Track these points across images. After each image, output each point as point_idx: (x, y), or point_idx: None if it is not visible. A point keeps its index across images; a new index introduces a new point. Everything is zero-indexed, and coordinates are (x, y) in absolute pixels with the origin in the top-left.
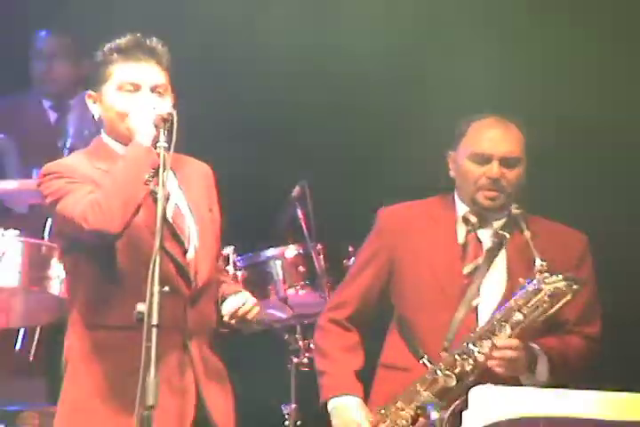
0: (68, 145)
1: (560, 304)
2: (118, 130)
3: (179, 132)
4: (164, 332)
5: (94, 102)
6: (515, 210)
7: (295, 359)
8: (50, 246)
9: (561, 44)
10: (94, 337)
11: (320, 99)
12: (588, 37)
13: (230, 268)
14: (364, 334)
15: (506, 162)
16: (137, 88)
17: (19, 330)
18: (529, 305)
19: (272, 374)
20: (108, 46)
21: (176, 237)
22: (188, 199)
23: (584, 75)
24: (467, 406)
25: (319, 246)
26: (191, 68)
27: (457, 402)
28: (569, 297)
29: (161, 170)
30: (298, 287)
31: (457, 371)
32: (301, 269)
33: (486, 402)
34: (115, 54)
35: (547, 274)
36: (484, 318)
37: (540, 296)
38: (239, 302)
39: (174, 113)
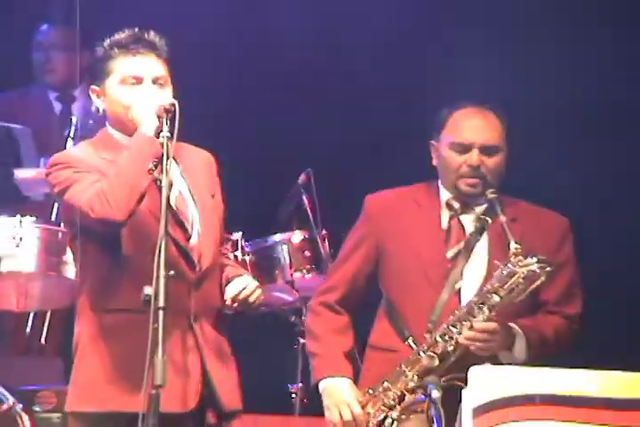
0: (72, 134)
1: (534, 286)
2: (123, 122)
3: (181, 121)
4: (169, 314)
5: (98, 97)
6: (490, 195)
7: (302, 340)
8: (65, 232)
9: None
10: (102, 320)
11: (325, 84)
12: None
13: (239, 253)
14: (355, 317)
15: (485, 150)
16: (139, 81)
17: (29, 314)
18: (504, 288)
19: (279, 354)
20: (108, 41)
21: (180, 223)
22: (190, 186)
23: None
24: (466, 384)
25: (324, 232)
26: (192, 53)
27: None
28: (543, 279)
29: (164, 159)
30: (304, 271)
31: (439, 351)
32: (307, 253)
33: (485, 381)
34: (115, 49)
35: (521, 257)
36: (466, 300)
37: (514, 279)
38: (241, 285)
39: (176, 103)
